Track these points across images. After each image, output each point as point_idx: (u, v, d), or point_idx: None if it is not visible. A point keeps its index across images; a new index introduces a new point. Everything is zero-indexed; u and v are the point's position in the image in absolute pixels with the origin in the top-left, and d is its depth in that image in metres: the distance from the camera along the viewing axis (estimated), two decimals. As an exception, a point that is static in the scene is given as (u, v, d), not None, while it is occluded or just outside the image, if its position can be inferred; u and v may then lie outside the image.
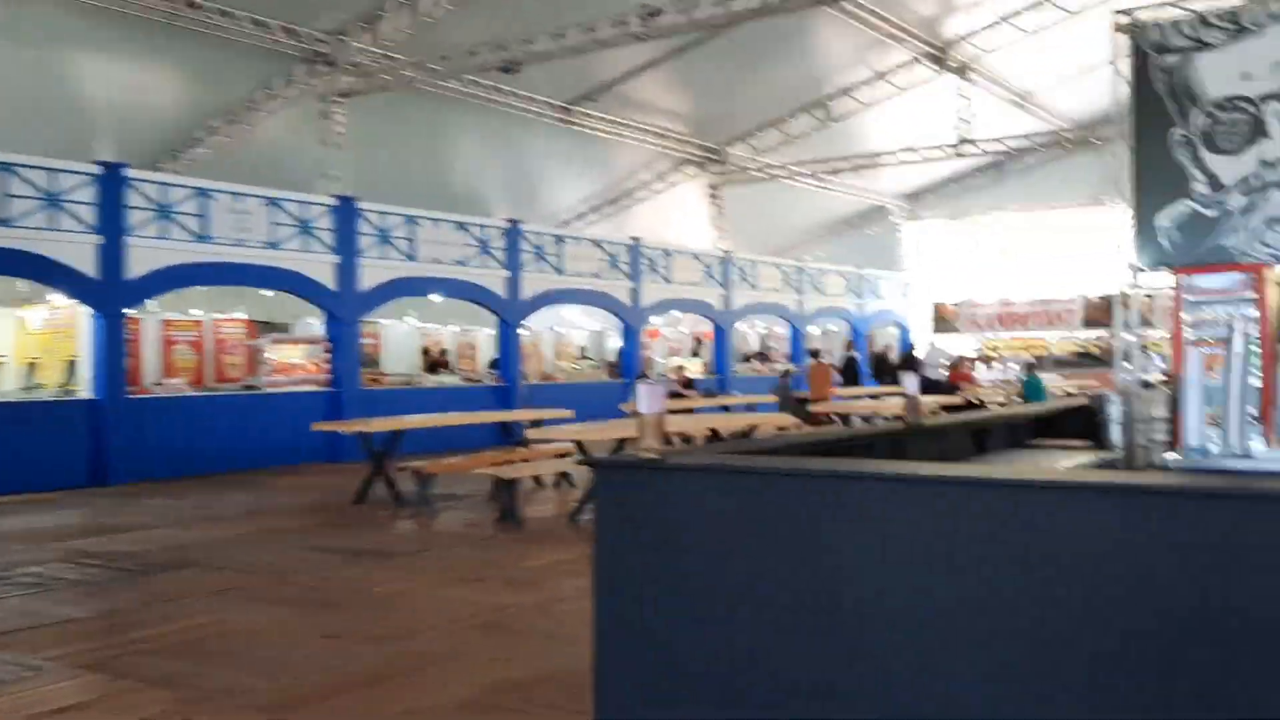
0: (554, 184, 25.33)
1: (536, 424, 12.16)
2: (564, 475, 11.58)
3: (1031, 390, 16.70)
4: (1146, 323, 27.74)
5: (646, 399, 3.98)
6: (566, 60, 18.89)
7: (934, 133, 24.30)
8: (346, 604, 6.45)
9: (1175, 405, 8.52)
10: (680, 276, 22.61)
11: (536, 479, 11.66)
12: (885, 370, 22.10)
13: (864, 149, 24.60)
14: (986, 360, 27.81)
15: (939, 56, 21.44)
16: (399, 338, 20.56)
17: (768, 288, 25.15)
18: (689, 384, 16.42)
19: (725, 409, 16.25)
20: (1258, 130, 8.63)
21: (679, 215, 26.53)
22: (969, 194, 30.82)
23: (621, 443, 9.15)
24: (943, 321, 30.02)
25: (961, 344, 27.55)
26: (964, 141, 22.05)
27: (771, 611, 3.43)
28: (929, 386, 20.89)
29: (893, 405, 14.65)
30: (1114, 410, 7.96)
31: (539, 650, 5.22)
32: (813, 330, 27.44)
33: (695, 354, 24.72)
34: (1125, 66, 9.30)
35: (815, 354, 18.91)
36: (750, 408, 17.21)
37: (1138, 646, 2.82)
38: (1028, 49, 21.80)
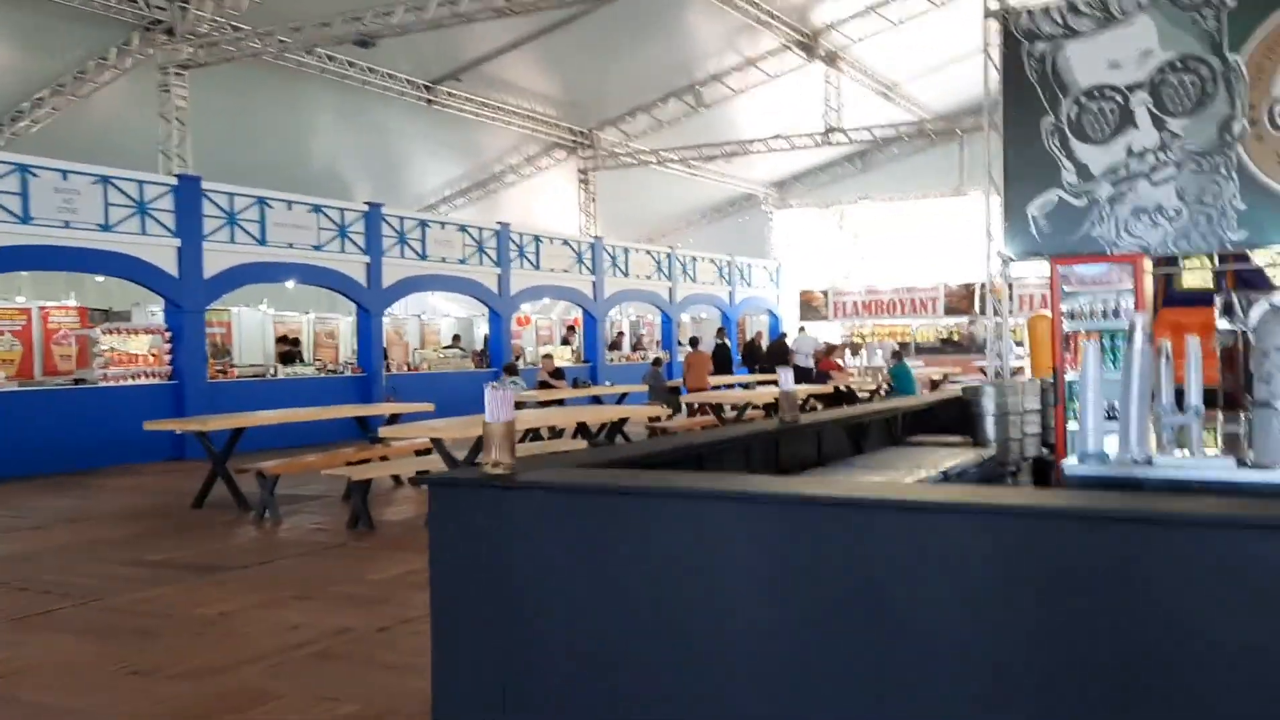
0: (418, 166, 24.44)
1: (394, 418, 11.45)
2: (424, 473, 10.93)
3: (900, 378, 16.72)
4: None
5: (494, 406, 3.46)
6: (429, 37, 18.09)
7: (803, 121, 24.32)
8: (165, 631, 5.74)
9: (1050, 399, 8.45)
10: (550, 263, 22.04)
11: (396, 478, 11.01)
12: (756, 358, 21.98)
13: (735, 136, 24.42)
14: (854, 348, 28.08)
15: (808, 44, 21.37)
16: (252, 326, 19.44)
17: (639, 275, 24.80)
18: (558, 373, 15.90)
19: (596, 399, 15.79)
20: (1126, 120, 8.60)
21: (548, 200, 25.94)
22: (837, 183, 31.12)
23: (478, 441, 8.57)
24: (810, 309, 30.27)
25: (828, 331, 27.77)
26: (832, 130, 22.07)
27: (615, 634, 3.08)
28: (800, 375, 20.98)
29: (765, 394, 14.42)
30: (988, 404, 7.82)
31: (376, 684, 4.65)
32: (685, 318, 27.23)
33: (566, 342, 24.20)
34: (997, 54, 9.17)
35: (695, 342, 18.60)
36: (622, 397, 16.77)
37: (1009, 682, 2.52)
38: (894, 40, 21.95)
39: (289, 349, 19.49)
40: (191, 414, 13.90)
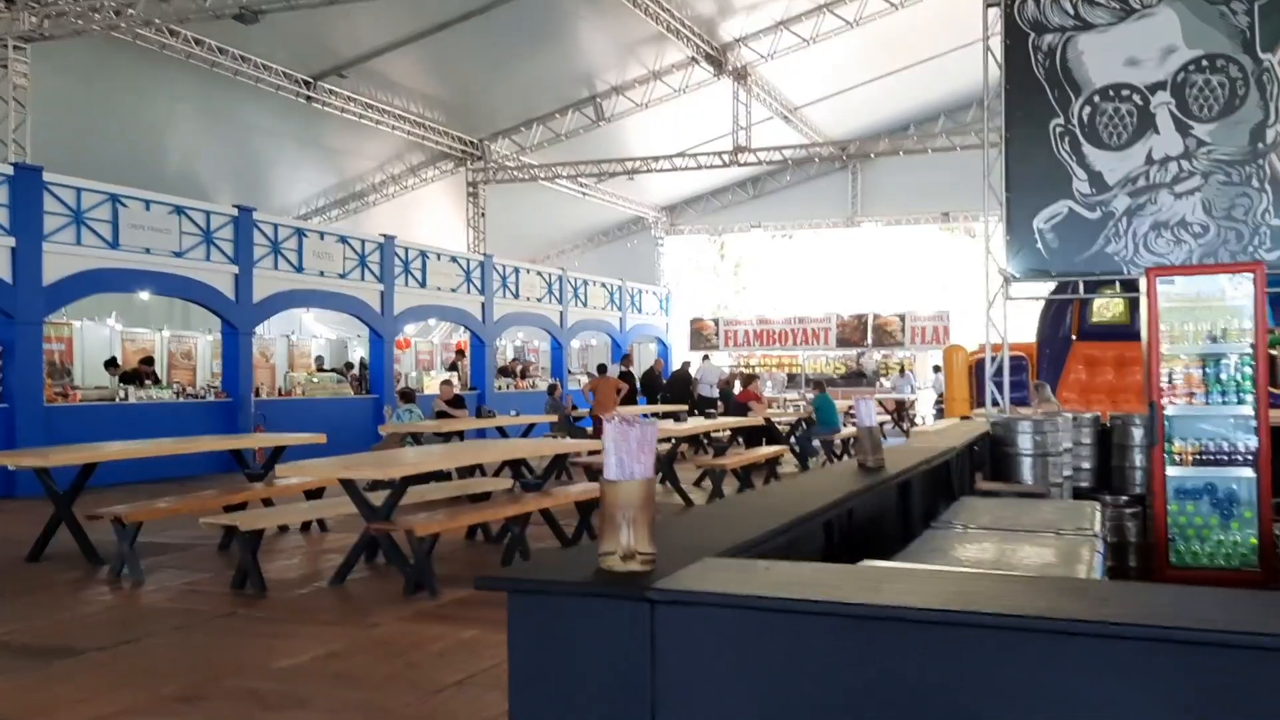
0: (287, 172, 22.36)
1: (279, 452, 9.67)
2: (312, 523, 9.21)
3: (823, 410, 15.72)
4: (895, 342, 28.27)
5: (626, 451, 2.02)
6: (311, 28, 16.36)
7: (709, 141, 23.37)
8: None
9: (1081, 436, 7.39)
10: (437, 281, 20.33)
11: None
12: (656, 388, 20.70)
13: (637, 153, 23.21)
14: (746, 379, 27.14)
15: (717, 59, 20.39)
16: (98, 343, 17.06)
17: (530, 297, 23.29)
18: (457, 401, 14.25)
19: (501, 431, 14.20)
20: (1146, 123, 7.71)
21: (431, 215, 24.19)
22: (728, 209, 30.33)
23: (402, 483, 6.97)
24: (701, 337, 29.27)
25: (719, 361, 26.79)
26: (741, 150, 21.10)
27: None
28: (703, 405, 19.80)
29: (690, 427, 13.14)
30: (1025, 442, 6.69)
31: None
32: (574, 344, 25.81)
33: (453, 368, 22.44)
34: (998, 47, 8.16)
35: (602, 369, 17.19)
36: (529, 429, 15.24)
37: None
38: (794, 61, 21.18)
39: (139, 369, 17.19)
40: (25, 444, 11.73)
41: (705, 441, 14.79)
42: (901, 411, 24.06)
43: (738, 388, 22.89)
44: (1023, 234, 8.04)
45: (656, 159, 22.42)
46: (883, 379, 27.40)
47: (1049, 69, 7.92)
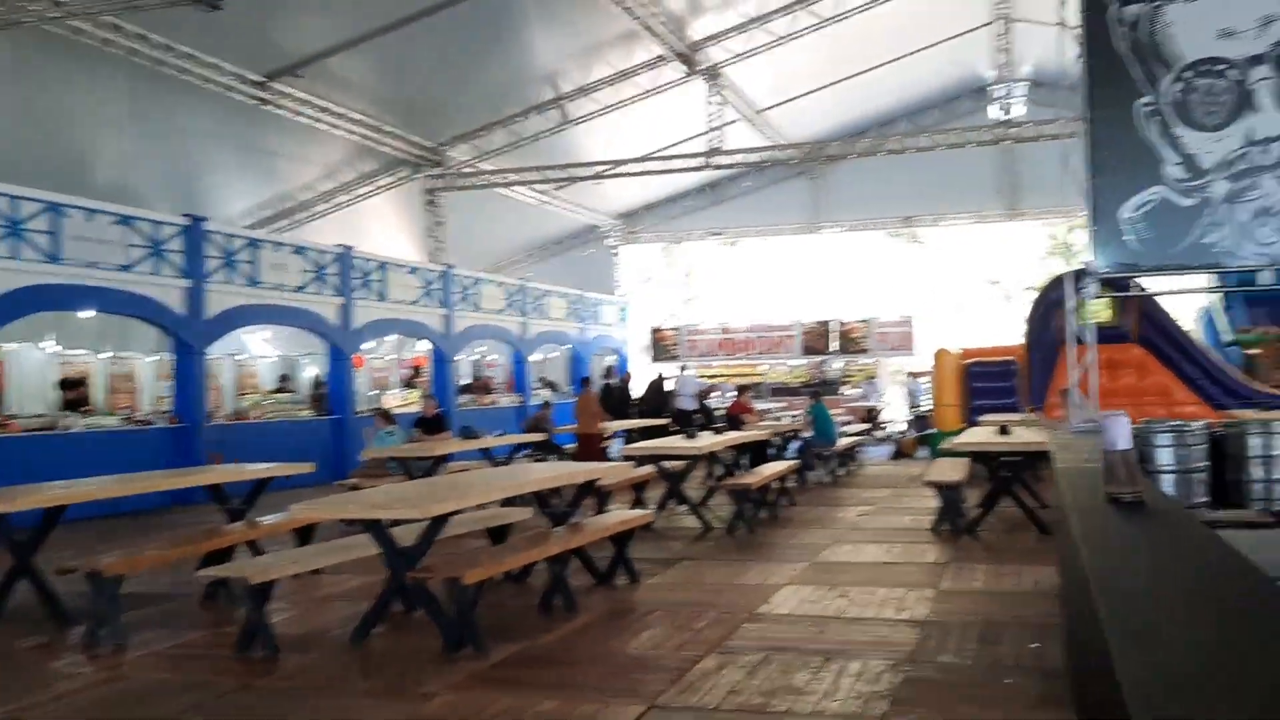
0: (231, 178, 20.90)
1: (263, 484, 8.54)
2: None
3: (820, 419, 14.95)
4: (860, 349, 27.70)
5: None
6: (257, 25, 15.18)
7: (669, 145, 22.57)
8: None
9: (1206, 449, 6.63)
10: (397, 294, 19.19)
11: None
12: (628, 401, 19.73)
13: (600, 157, 22.27)
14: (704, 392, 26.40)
15: (687, 57, 19.58)
16: (34, 367, 15.60)
17: (490, 309, 22.22)
18: (440, 420, 13.15)
19: (486, 453, 13.14)
20: (1244, 101, 7.05)
21: (385, 223, 22.95)
22: (688, 216, 29.55)
23: (437, 523, 5.94)
24: (662, 348, 28.44)
25: (672, 371, 25.93)
26: (715, 152, 20.30)
27: None
28: (681, 418, 18.88)
29: (693, 445, 12.21)
30: (1165, 456, 5.91)
31: None
32: (534, 357, 24.75)
33: (411, 385, 21.26)
34: (1075, 21, 7.44)
35: (585, 382, 16.18)
36: (515, 449, 14.20)
37: None
38: (760, 64, 20.48)
39: (76, 395, 15.78)
40: (-40, 482, 10.39)
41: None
42: (872, 418, 23.48)
43: (716, 399, 22.18)
44: (1109, 225, 7.31)
45: (625, 162, 21.50)
46: (843, 387, 26.80)
47: (1134, 43, 7.22)
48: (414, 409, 18.32)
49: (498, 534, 8.05)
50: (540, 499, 7.90)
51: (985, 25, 21.54)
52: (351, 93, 18.61)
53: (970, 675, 5.20)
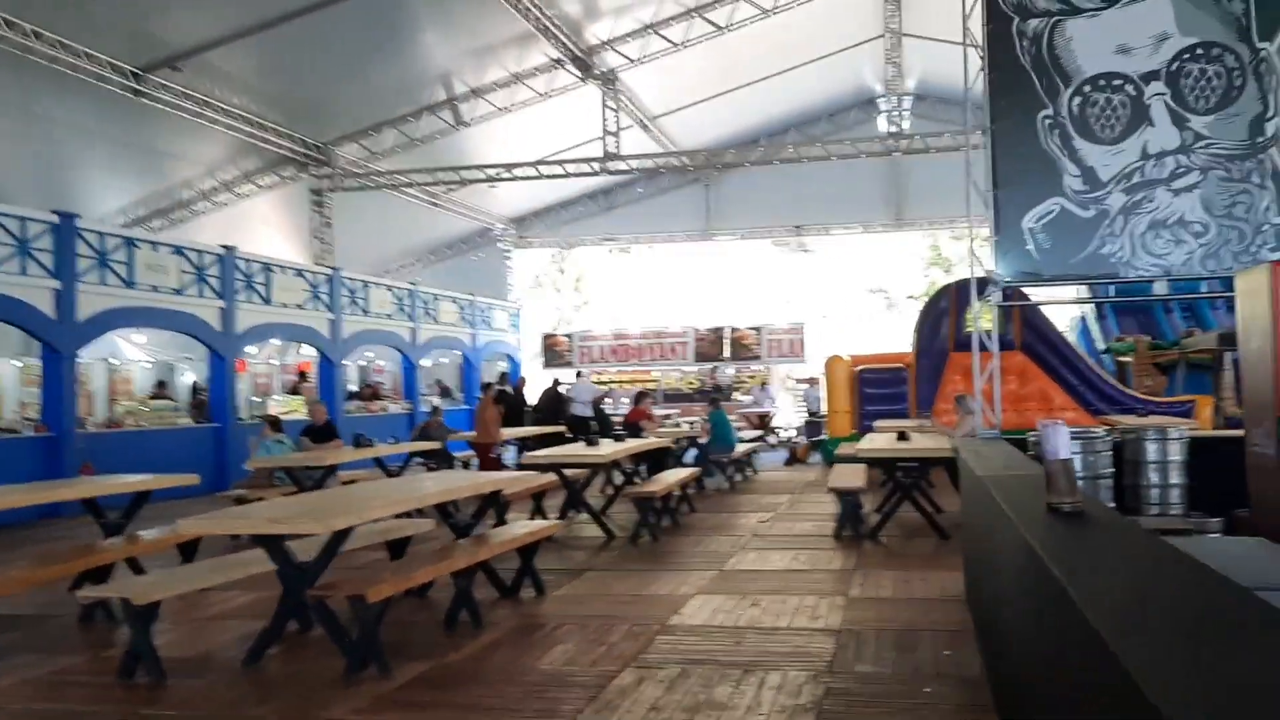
0: (104, 175, 19.92)
1: (143, 497, 8.05)
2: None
3: (720, 426, 14.95)
4: (752, 355, 27.97)
5: None
6: (134, 14, 14.47)
7: (564, 149, 22.37)
8: None
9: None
10: (282, 297, 18.51)
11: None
12: (523, 408, 19.44)
13: (494, 160, 21.94)
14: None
15: (584, 61, 19.44)
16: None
17: (380, 314, 21.66)
18: (330, 428, 12.66)
19: (379, 462, 12.70)
20: (1140, 115, 7.22)
21: (267, 224, 22.18)
22: (579, 222, 29.39)
23: (339, 537, 5.65)
24: (554, 353, 28.23)
25: (570, 378, 25.77)
26: (611, 157, 20.18)
27: None
28: (577, 425, 18.68)
29: (604, 452, 12.05)
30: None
31: None
32: (424, 363, 24.24)
33: (295, 392, 20.55)
34: (979, 32, 7.53)
35: (487, 388, 15.75)
36: (410, 458, 13.80)
37: None
38: (654, 70, 20.48)
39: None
40: None
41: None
42: (765, 424, 23.66)
43: (610, 405, 22.05)
44: (1011, 234, 7.42)
45: (520, 165, 21.22)
46: (736, 393, 26.99)
47: (1035, 56, 7.35)
48: (299, 416, 17.72)
49: (397, 547, 7.76)
50: (442, 510, 7.62)
51: (876, 38, 21.94)
52: (234, 87, 17.92)
53: (891, 685, 5.16)
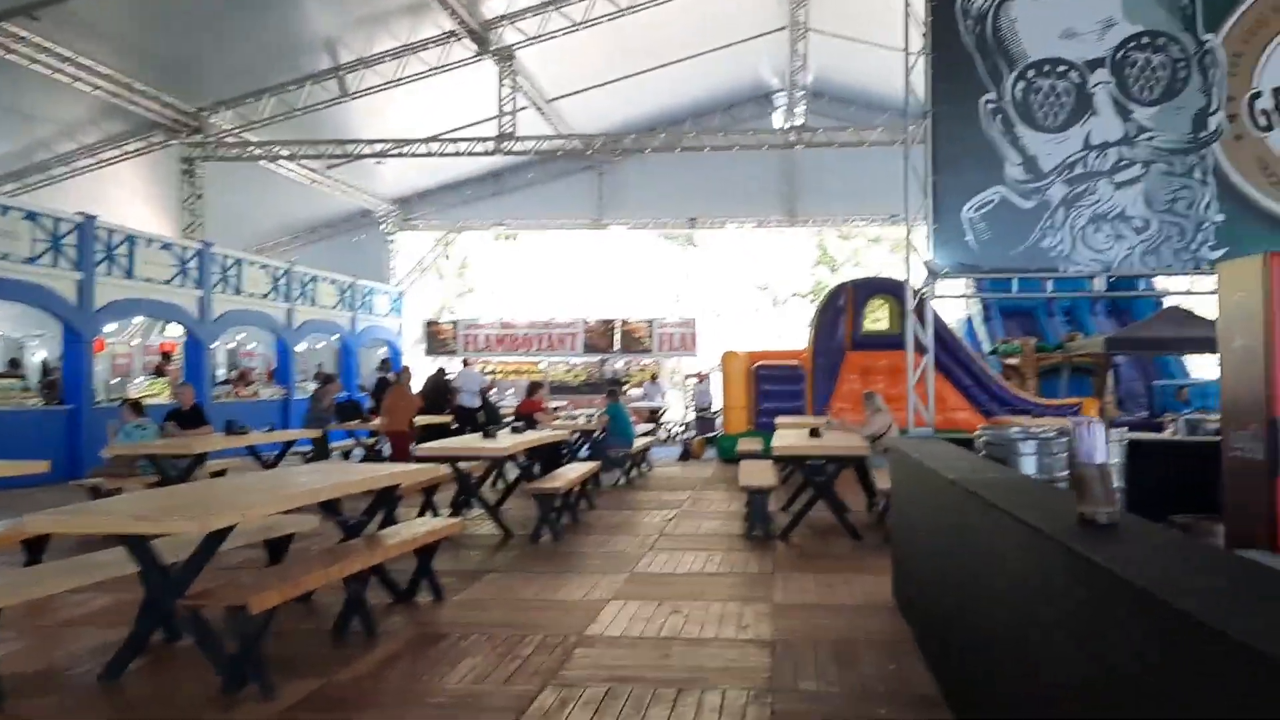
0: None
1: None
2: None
3: (617, 419, 14.39)
4: (643, 349, 27.53)
5: None
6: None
7: (457, 128, 21.50)
8: None
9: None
10: (147, 271, 17.18)
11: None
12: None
13: (381, 135, 20.92)
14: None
15: (480, 35, 18.64)
16: None
17: (253, 293, 20.40)
18: (198, 412, 11.62)
19: (252, 450, 11.73)
20: (1084, 104, 6.94)
21: (133, 193, 20.68)
22: (467, 205, 28.44)
23: (216, 538, 4.89)
24: (438, 341, 27.24)
25: (456, 367, 24.89)
26: (505, 138, 19.41)
27: None
28: (464, 416, 17.87)
29: (488, 446, 11.36)
30: (1028, 464, 5.62)
31: None
32: (301, 347, 23.01)
33: (160, 372, 19.16)
34: (921, 10, 7.14)
35: (402, 373, 14.49)
36: (288, 446, 12.83)
37: None
38: (551, 50, 19.84)
39: None
40: None
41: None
42: (655, 419, 23.23)
43: (496, 395, 21.24)
44: (950, 224, 7.07)
45: (409, 142, 20.26)
46: (626, 386, 26.51)
47: (979, 37, 7.02)
48: (162, 400, 16.45)
49: (277, 547, 6.98)
50: (327, 506, 6.85)
51: (778, 30, 21.70)
52: (99, 43, 16.51)
53: (840, 705, 4.69)
